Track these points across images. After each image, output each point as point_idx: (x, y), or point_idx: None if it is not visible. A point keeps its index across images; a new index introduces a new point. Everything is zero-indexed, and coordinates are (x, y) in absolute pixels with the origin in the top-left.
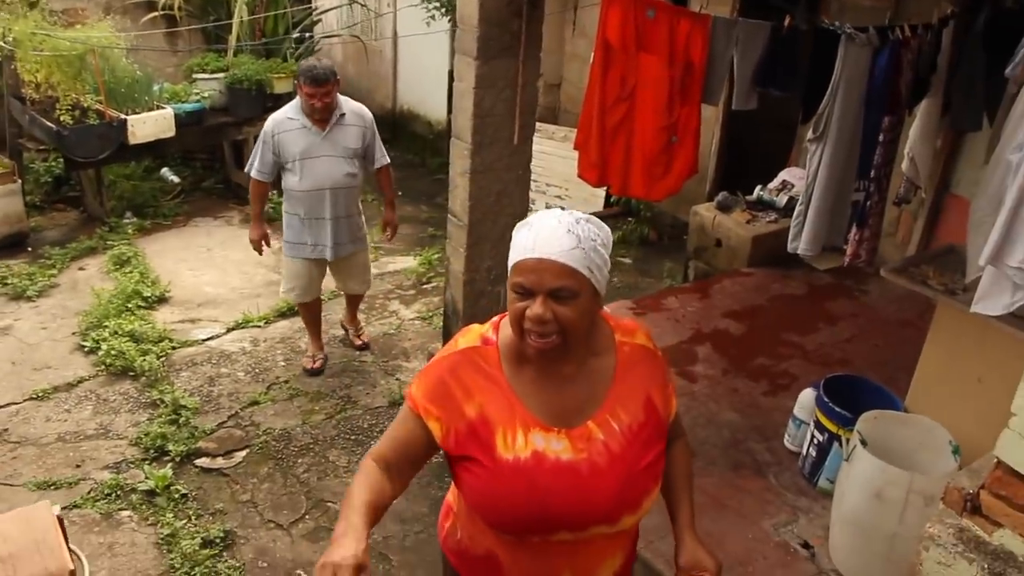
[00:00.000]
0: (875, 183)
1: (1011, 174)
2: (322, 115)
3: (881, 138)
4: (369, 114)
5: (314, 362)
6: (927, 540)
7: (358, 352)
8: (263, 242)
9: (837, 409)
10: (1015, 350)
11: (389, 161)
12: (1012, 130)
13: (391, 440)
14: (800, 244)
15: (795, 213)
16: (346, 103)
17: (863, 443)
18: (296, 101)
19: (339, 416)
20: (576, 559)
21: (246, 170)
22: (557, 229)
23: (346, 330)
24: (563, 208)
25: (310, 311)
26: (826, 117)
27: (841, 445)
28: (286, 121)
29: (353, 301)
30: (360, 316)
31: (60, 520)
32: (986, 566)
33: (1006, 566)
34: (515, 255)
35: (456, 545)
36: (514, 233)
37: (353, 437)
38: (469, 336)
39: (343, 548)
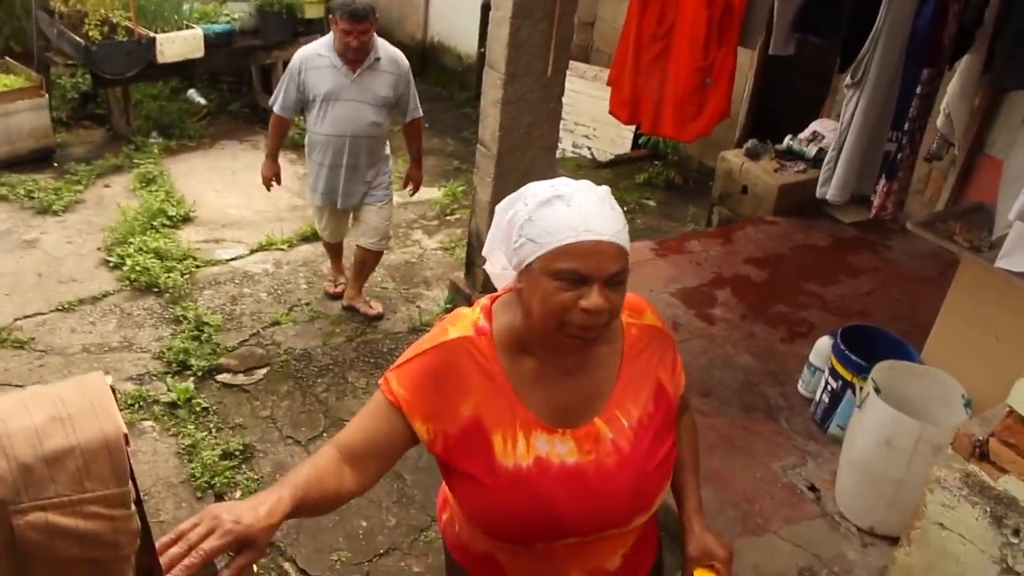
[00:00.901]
0: (908, 136)
1: None
2: (356, 55)
3: (919, 90)
4: (406, 62)
5: (335, 286)
6: (933, 483)
7: (372, 311)
8: (275, 179)
9: (853, 357)
10: None
11: (422, 114)
12: None
13: (360, 432)
14: (829, 190)
15: (826, 159)
16: (383, 47)
17: (877, 391)
18: (329, 37)
19: (359, 339)
20: (583, 559)
21: (270, 103)
22: (602, 206)
23: (351, 309)
24: (591, 150)
25: (332, 248)
26: (865, 63)
27: (854, 393)
28: (315, 58)
29: (362, 263)
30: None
31: (112, 389)
32: (988, 509)
33: (1008, 510)
34: (559, 236)
35: (455, 539)
36: (536, 209)
37: (372, 360)
38: (461, 324)
39: (242, 511)
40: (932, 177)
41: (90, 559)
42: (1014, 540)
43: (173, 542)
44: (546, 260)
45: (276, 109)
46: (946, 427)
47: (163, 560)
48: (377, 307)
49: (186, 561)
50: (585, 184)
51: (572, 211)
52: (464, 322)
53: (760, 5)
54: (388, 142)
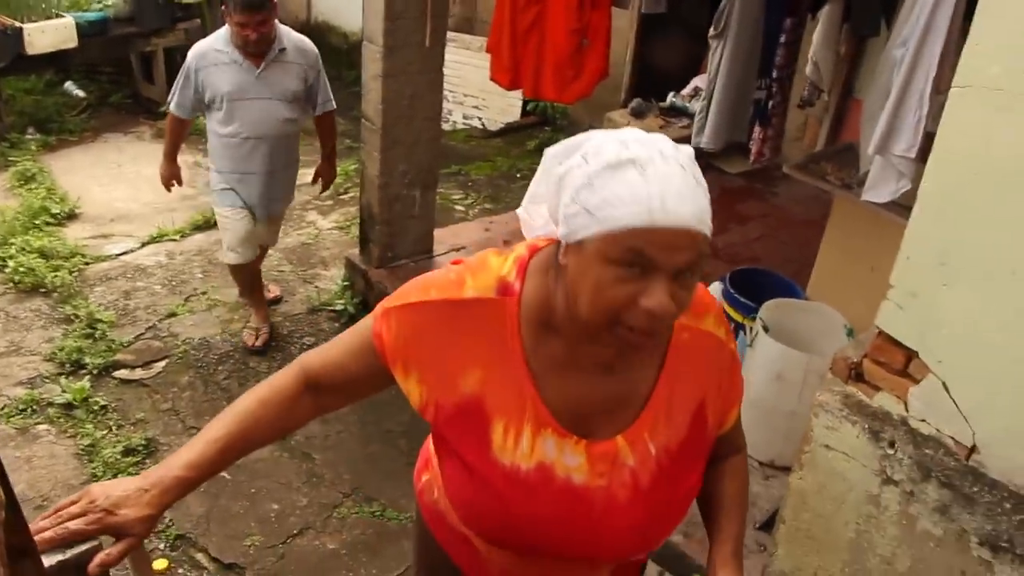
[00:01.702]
0: (777, 83)
1: (896, 68)
2: (257, 49)
3: (783, 39)
4: (315, 49)
5: (256, 337)
6: (816, 407)
7: (270, 294)
8: (175, 180)
9: (742, 299)
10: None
11: (335, 107)
12: (898, 27)
13: (334, 366)
14: (703, 139)
15: (699, 109)
16: (287, 35)
17: (765, 329)
18: (225, 30)
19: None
20: (567, 571)
21: (166, 103)
22: (686, 180)
23: None
24: (481, 120)
25: (246, 275)
26: (726, 15)
27: (746, 334)
28: (213, 54)
29: (260, 256)
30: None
31: None
32: (867, 426)
33: (883, 424)
34: (627, 214)
35: (432, 504)
36: (599, 172)
37: (273, 343)
38: (482, 279)
39: (124, 495)
40: (808, 124)
41: None
42: (890, 452)
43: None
44: (605, 242)
45: (172, 109)
46: (831, 357)
47: (33, 530)
48: (275, 290)
49: (45, 534)
50: (663, 144)
51: (648, 185)
52: (487, 276)
53: None
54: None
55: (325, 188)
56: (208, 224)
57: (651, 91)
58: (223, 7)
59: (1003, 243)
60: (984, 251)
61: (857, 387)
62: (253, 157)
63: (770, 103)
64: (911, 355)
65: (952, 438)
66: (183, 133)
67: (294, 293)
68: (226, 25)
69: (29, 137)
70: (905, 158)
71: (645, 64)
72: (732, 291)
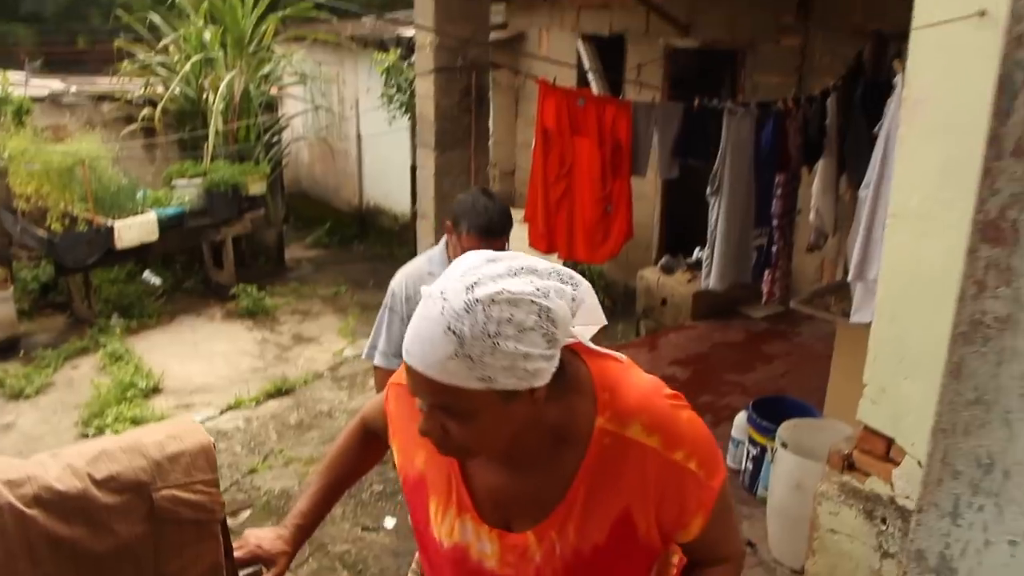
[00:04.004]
0: (778, 230)
1: (863, 206)
2: None
3: (778, 192)
4: None
5: None
6: (819, 496)
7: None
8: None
9: (764, 423)
10: None
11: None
12: (866, 173)
13: (378, 412)
14: (710, 282)
15: (704, 256)
16: None
17: (784, 445)
18: (437, 251)
19: None
20: None
21: (363, 355)
22: (434, 325)
23: None
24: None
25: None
26: (719, 176)
27: (770, 453)
28: (428, 278)
29: None
30: (342, 393)
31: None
32: (862, 508)
33: (875, 504)
34: None
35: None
36: None
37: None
38: None
39: (268, 537)
40: (824, 265)
41: (196, 520)
42: (883, 527)
43: None
44: None
45: (377, 361)
46: None
47: None
48: None
49: None
50: (454, 282)
51: (413, 319)
52: None
53: (643, 140)
54: None
55: None
56: (279, 392)
57: (678, 248)
58: (447, 223)
59: (939, 338)
60: (928, 347)
61: (851, 475)
62: None
63: (773, 248)
64: (890, 441)
65: None
66: None
67: None
68: (441, 243)
69: (114, 322)
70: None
71: (673, 223)
72: (755, 417)
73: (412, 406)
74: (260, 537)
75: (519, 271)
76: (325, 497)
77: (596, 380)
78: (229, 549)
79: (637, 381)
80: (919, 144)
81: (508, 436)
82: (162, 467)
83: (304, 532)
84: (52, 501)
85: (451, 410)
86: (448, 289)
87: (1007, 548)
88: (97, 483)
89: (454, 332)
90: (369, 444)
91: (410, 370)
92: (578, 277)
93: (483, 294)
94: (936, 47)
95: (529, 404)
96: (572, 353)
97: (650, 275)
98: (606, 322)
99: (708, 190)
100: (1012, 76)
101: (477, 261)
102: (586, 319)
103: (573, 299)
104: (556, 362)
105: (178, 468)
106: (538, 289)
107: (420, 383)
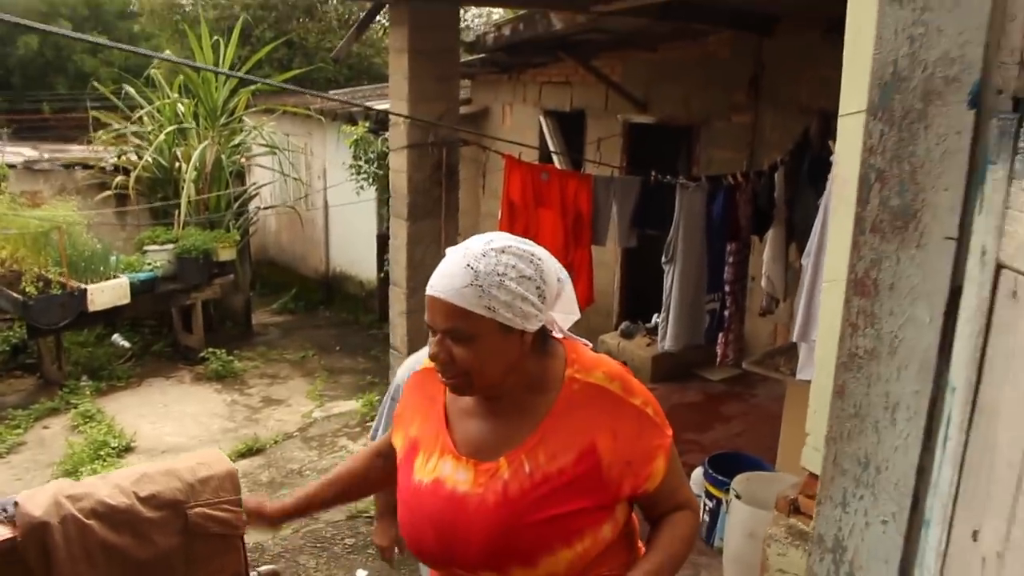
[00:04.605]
0: (730, 296)
1: (805, 273)
2: None
3: (731, 259)
4: None
5: None
6: (768, 539)
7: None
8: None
9: (719, 477)
10: None
11: None
12: (809, 241)
13: (383, 440)
14: (666, 343)
15: (660, 319)
16: None
17: (738, 497)
18: None
19: (304, 530)
20: None
21: (369, 439)
22: (455, 264)
23: None
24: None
25: None
26: (673, 245)
27: (725, 505)
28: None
29: None
30: (312, 452)
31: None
32: (807, 548)
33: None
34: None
35: None
36: None
37: (319, 545)
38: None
39: (264, 499)
40: (778, 329)
41: (223, 534)
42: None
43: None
44: None
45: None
46: None
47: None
48: None
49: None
50: (475, 240)
51: (438, 266)
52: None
53: (603, 212)
54: None
55: None
56: (250, 451)
57: (639, 314)
58: None
59: None
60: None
61: (797, 518)
62: None
63: (725, 312)
64: None
65: None
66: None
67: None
68: None
69: (83, 384)
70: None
71: (632, 290)
72: (711, 471)
73: (419, 391)
74: (264, 505)
75: (523, 242)
76: (323, 488)
77: (568, 349)
78: (247, 562)
79: (591, 351)
80: (843, 217)
81: (501, 369)
82: (195, 488)
83: (296, 510)
84: (105, 514)
85: (459, 334)
86: (470, 243)
87: (881, 527)
88: (141, 500)
89: (471, 267)
90: (374, 465)
91: (431, 300)
92: (565, 272)
93: (497, 245)
94: (853, 134)
95: (519, 344)
96: (550, 335)
97: (611, 340)
98: (579, 316)
99: (663, 258)
100: (868, 175)
101: (494, 233)
102: (565, 308)
103: (559, 279)
104: (543, 319)
105: (208, 490)
106: (535, 254)
107: (438, 309)
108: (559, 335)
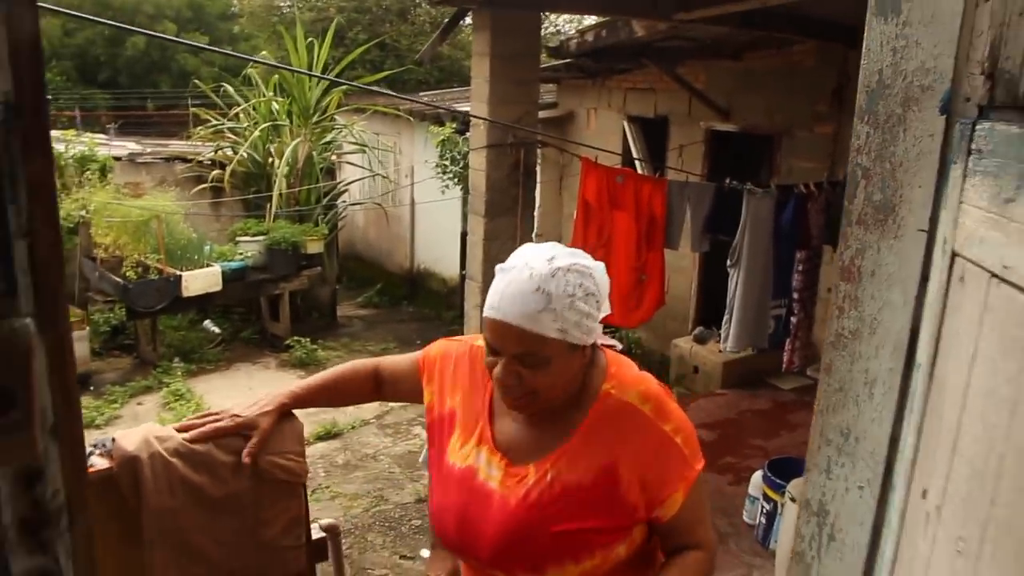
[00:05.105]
0: (798, 303)
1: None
2: None
3: (800, 267)
4: None
5: None
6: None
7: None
8: None
9: (777, 481)
10: None
11: None
12: None
13: (393, 367)
14: (728, 344)
15: (724, 320)
16: None
17: (792, 500)
18: None
19: (374, 509)
20: None
21: (419, 461)
22: (525, 286)
23: None
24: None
25: None
26: (738, 249)
27: (780, 508)
28: None
29: None
30: (387, 439)
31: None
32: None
33: None
34: (486, 306)
35: None
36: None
37: (387, 524)
38: None
39: (245, 407)
40: None
41: (287, 481)
42: None
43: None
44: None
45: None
46: None
47: (183, 426)
48: None
49: (195, 432)
50: (534, 258)
51: (499, 285)
52: None
53: (677, 216)
54: None
55: None
56: (328, 435)
57: (714, 320)
58: None
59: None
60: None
61: None
62: None
63: (792, 319)
64: None
65: None
66: None
67: (403, 488)
68: None
69: (176, 365)
70: None
71: (709, 296)
72: (769, 475)
73: (469, 366)
74: (240, 407)
75: (576, 255)
76: (312, 395)
77: (609, 361)
78: (308, 508)
79: (636, 367)
80: None
81: (564, 385)
82: (266, 440)
83: (283, 408)
84: (187, 454)
85: (530, 358)
86: (530, 260)
87: (857, 492)
88: (218, 445)
89: (543, 291)
90: (367, 383)
91: (500, 325)
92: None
93: (562, 264)
94: None
95: (582, 359)
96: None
97: (684, 344)
98: (611, 311)
99: (728, 261)
100: (855, 173)
101: (543, 245)
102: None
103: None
104: (600, 329)
105: (276, 440)
106: (589, 266)
107: (509, 335)
108: (600, 341)
